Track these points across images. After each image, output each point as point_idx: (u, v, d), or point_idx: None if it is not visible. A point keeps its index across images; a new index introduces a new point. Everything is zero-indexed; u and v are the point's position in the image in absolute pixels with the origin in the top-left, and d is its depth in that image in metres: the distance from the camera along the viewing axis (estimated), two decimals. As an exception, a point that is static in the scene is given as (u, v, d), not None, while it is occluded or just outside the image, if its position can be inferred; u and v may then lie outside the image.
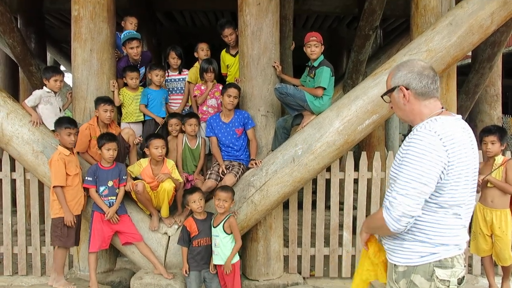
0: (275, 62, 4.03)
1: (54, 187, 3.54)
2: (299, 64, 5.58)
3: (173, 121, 4.21)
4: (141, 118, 4.46)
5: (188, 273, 3.47)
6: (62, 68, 9.72)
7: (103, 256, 4.00)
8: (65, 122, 3.59)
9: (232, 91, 3.94)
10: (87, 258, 3.75)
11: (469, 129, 1.81)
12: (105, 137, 3.65)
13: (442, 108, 1.81)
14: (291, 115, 4.08)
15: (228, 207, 3.45)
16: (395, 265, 1.81)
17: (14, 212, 4.29)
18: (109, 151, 3.62)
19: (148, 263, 3.74)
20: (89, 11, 4.06)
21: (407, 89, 1.79)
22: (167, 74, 4.68)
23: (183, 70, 4.78)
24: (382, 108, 3.63)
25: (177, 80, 4.74)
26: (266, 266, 4.06)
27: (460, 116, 1.81)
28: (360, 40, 5.55)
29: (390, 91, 1.86)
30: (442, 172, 1.67)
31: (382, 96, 1.93)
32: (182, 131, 4.24)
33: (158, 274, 3.59)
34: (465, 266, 1.80)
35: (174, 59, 4.68)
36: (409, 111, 1.82)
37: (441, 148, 1.65)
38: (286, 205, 4.22)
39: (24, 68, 5.94)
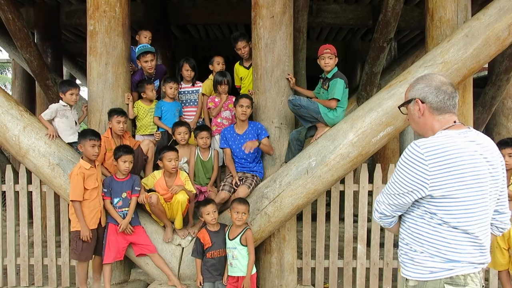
0: (289, 75, 4.09)
1: (71, 201, 3.63)
2: (312, 76, 5.65)
3: (181, 129, 4.24)
4: (154, 130, 4.56)
5: (202, 284, 3.51)
6: (77, 82, 9.97)
7: (118, 268, 4.07)
8: (90, 134, 3.68)
9: (244, 101, 4.01)
10: (96, 267, 3.84)
11: (484, 142, 1.76)
12: (122, 149, 3.74)
13: (455, 122, 1.81)
14: (304, 127, 4.13)
15: (246, 219, 3.50)
16: (406, 279, 1.83)
17: (30, 224, 4.40)
18: (125, 163, 3.70)
19: (162, 275, 3.79)
20: (104, 26, 4.20)
21: (422, 102, 1.82)
22: (180, 86, 4.78)
23: (196, 82, 4.86)
24: (396, 120, 3.66)
25: (190, 92, 4.83)
26: (280, 278, 4.08)
27: (468, 129, 1.78)
28: (374, 52, 5.60)
29: (406, 103, 1.90)
30: (423, 185, 1.68)
31: (399, 107, 1.96)
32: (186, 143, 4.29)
33: (172, 286, 3.65)
34: (483, 286, 1.77)
35: (187, 71, 4.76)
36: (422, 124, 1.85)
37: (420, 163, 1.67)
38: (299, 217, 4.25)
39: (40, 82, 6.13)
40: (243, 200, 3.53)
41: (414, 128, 1.93)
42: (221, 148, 4.26)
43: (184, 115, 4.77)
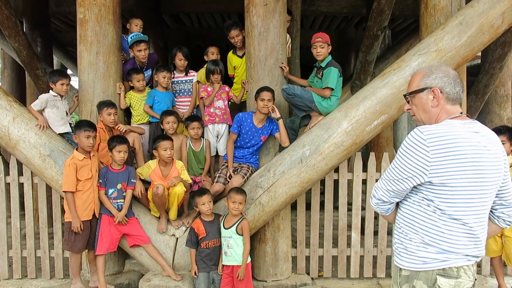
0: (282, 63, 4.06)
1: (64, 191, 3.60)
2: (306, 64, 5.62)
3: (170, 118, 4.19)
4: (148, 119, 4.51)
5: (196, 274, 3.52)
6: (68, 71, 9.85)
7: (111, 259, 4.06)
8: (85, 125, 3.64)
9: (265, 94, 3.84)
10: (91, 260, 3.83)
11: (488, 134, 1.77)
12: (116, 140, 3.71)
13: (461, 113, 1.82)
14: (298, 116, 4.11)
15: (242, 209, 3.50)
16: (399, 268, 1.84)
17: (22, 216, 4.37)
18: (120, 153, 3.68)
19: (156, 265, 3.79)
20: (94, 14, 4.12)
21: (440, 92, 1.81)
22: (173, 75, 4.72)
23: (190, 71, 4.78)
24: (391, 108, 3.66)
25: (183, 81, 4.77)
26: (274, 266, 4.09)
27: (472, 121, 1.79)
28: (368, 40, 5.58)
29: (419, 91, 1.86)
30: (423, 171, 1.68)
31: (407, 95, 1.93)
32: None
33: (167, 276, 3.65)
34: (475, 280, 1.77)
35: (181, 60, 4.69)
36: (433, 114, 1.83)
37: (422, 148, 1.67)
38: (294, 206, 4.26)
39: (30, 72, 6.04)
40: (240, 190, 3.53)
41: (420, 117, 1.89)
42: (230, 131, 4.13)
43: (177, 105, 4.72)
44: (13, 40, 5.60)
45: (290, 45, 4.98)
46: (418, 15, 4.26)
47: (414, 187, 1.77)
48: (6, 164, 4.41)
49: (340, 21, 8.53)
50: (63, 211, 4.14)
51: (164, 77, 4.48)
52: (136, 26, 5.03)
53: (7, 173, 4.36)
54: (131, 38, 4.79)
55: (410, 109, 1.94)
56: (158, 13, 7.40)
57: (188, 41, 9.08)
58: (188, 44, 8.86)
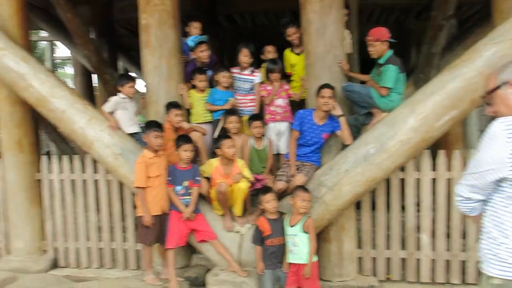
0: (341, 62, 3.99)
1: (135, 187, 3.80)
2: (366, 59, 5.49)
3: (233, 118, 4.27)
4: (209, 118, 4.62)
5: (263, 271, 3.57)
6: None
7: (180, 253, 4.21)
8: (154, 125, 3.83)
9: (326, 92, 3.79)
10: (162, 253, 4.01)
11: None
12: (182, 139, 3.86)
13: None
14: (360, 114, 4.04)
15: (308, 207, 3.50)
16: (489, 276, 1.73)
17: (98, 210, 4.69)
18: (186, 152, 3.82)
19: (223, 261, 3.90)
20: (156, 19, 4.27)
21: None
22: (235, 72, 4.68)
23: (255, 71, 4.70)
24: (462, 102, 3.48)
25: (244, 80, 4.71)
26: (339, 267, 4.05)
27: None
28: (432, 31, 5.35)
29: (496, 89, 1.81)
30: (503, 164, 1.61)
31: (484, 96, 1.88)
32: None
33: (233, 272, 3.74)
34: None
35: (246, 57, 4.59)
36: None
37: (501, 139, 1.62)
38: (358, 206, 4.19)
39: (99, 76, 6.42)
40: (306, 188, 3.54)
41: (503, 112, 1.80)
42: (292, 129, 4.11)
43: (237, 102, 4.64)
44: (83, 48, 5.98)
45: (349, 40, 4.89)
46: (488, 1, 4.01)
47: (498, 185, 1.68)
48: (82, 163, 4.73)
49: (400, 13, 8.24)
50: (134, 207, 4.39)
51: (224, 77, 4.56)
52: (195, 29, 5.17)
53: (83, 171, 4.68)
54: (192, 40, 4.94)
55: (494, 111, 1.85)
56: (213, 14, 7.56)
57: (242, 41, 9.17)
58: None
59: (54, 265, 4.76)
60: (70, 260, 4.75)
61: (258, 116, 4.37)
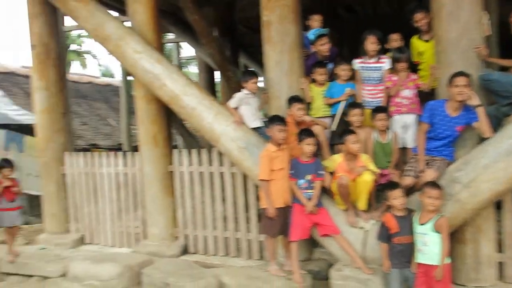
0: (478, 46, 3.68)
1: (259, 180, 4.01)
2: (509, 41, 4.96)
3: (356, 111, 4.23)
4: (328, 112, 4.65)
5: (389, 270, 3.51)
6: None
7: (302, 246, 4.34)
8: (277, 120, 4.01)
9: (461, 79, 3.55)
10: (286, 245, 4.16)
11: None
12: (305, 133, 3.97)
13: None
14: (502, 104, 3.69)
15: (439, 205, 3.35)
16: None
17: (223, 201, 5.05)
18: (309, 146, 3.92)
19: (346, 256, 3.91)
20: (277, 15, 4.44)
21: None
22: (362, 62, 4.59)
23: (381, 57, 4.54)
24: None
25: (372, 68, 4.56)
26: (476, 271, 3.78)
27: None
28: None
29: None
30: None
31: None
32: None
33: (357, 268, 3.73)
34: None
35: (373, 44, 4.46)
36: None
37: None
38: (498, 206, 3.84)
39: (222, 74, 6.86)
40: (437, 185, 3.38)
41: None
42: (421, 121, 3.97)
43: (363, 94, 4.59)
44: (208, 47, 6.46)
45: (487, 22, 4.47)
46: None
47: None
48: (210, 156, 5.13)
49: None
50: (258, 199, 4.64)
51: (343, 70, 4.54)
52: (316, 22, 5.23)
53: (210, 164, 5.08)
54: (312, 34, 5.01)
55: None
56: (333, 6, 7.52)
57: (362, 32, 8.95)
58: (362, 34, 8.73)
59: (185, 251, 5.25)
60: (199, 247, 5.20)
61: (383, 108, 4.27)
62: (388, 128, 4.26)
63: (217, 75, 9.60)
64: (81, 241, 5.87)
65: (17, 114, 11.17)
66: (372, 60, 4.55)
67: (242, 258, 4.91)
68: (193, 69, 23.92)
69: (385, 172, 4.13)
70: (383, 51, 4.68)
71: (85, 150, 6.84)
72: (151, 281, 4.35)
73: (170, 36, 11.43)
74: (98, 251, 5.47)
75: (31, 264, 5.00)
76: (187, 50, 20.45)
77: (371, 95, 4.57)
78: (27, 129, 9.68)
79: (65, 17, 6.66)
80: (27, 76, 13.67)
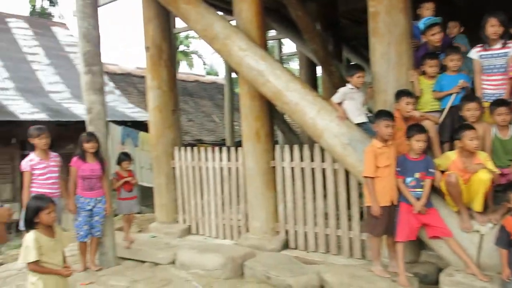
0: None
1: (364, 177, 4.00)
2: None
3: (471, 105, 3.97)
4: (437, 106, 4.45)
5: (509, 279, 3.27)
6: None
7: (408, 247, 4.22)
8: (384, 115, 3.98)
9: None
10: (391, 245, 4.08)
11: None
12: (415, 129, 3.86)
13: None
14: None
15: None
16: None
17: (324, 197, 5.10)
18: (419, 142, 3.80)
19: (458, 261, 3.73)
20: (384, 6, 4.35)
21: None
22: (482, 49, 4.28)
23: (508, 42, 4.17)
24: None
25: (495, 55, 4.22)
26: None
27: None
28: None
29: None
30: None
31: None
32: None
33: (471, 274, 3.54)
34: None
35: (493, 27, 4.11)
36: None
37: None
38: None
39: (325, 69, 6.90)
40: None
41: None
42: None
43: (484, 85, 4.28)
44: (311, 43, 6.53)
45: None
46: None
47: None
48: (311, 152, 5.22)
49: None
50: (360, 196, 4.61)
51: (452, 60, 4.31)
52: (427, 10, 5.02)
53: (312, 159, 5.16)
54: (423, 23, 4.81)
55: None
56: (447, -9, 7.07)
57: (479, 18, 8.28)
58: (470, 20, 8.07)
59: (285, 245, 5.40)
60: (299, 242, 5.32)
61: (504, 101, 3.96)
62: (510, 123, 3.94)
63: (319, 70, 9.66)
64: (187, 231, 6.35)
65: (132, 112, 12.39)
66: (496, 46, 4.21)
67: (343, 256, 4.92)
68: (294, 65, 24.16)
69: (505, 171, 3.85)
70: (508, 36, 4.30)
71: (191, 145, 7.36)
72: (253, 273, 4.57)
73: (272, 33, 11.73)
74: (203, 242, 5.88)
75: (144, 250, 5.54)
76: (289, 46, 20.73)
77: (493, 86, 4.22)
78: (141, 125, 10.71)
79: (175, 20, 7.23)
80: (140, 77, 15.08)
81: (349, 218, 4.90)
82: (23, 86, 12.17)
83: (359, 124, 4.52)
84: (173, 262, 5.21)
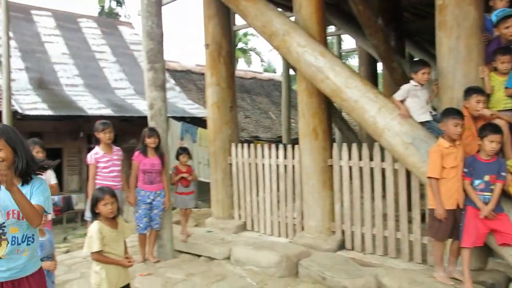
0: None
1: (428, 177, 3.82)
2: None
3: None
4: (510, 105, 4.15)
5: None
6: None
7: (473, 254, 3.99)
8: (453, 113, 3.79)
9: None
10: (455, 251, 3.88)
11: None
12: (489, 128, 3.66)
13: None
14: None
15: None
16: None
17: (383, 197, 4.94)
18: (492, 143, 3.59)
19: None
20: (454, -3, 4.12)
21: None
22: None
23: None
24: None
25: None
26: None
27: None
28: None
29: None
30: None
31: None
32: None
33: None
34: None
35: None
36: None
37: None
38: None
39: (386, 65, 6.67)
40: None
41: None
42: None
43: None
44: (372, 38, 6.33)
45: None
46: None
47: None
48: (370, 151, 5.07)
49: None
50: (422, 197, 4.41)
51: None
52: (501, 2, 4.68)
53: (371, 159, 5.02)
54: (495, 15, 4.50)
55: None
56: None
57: None
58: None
59: (341, 246, 5.29)
60: (356, 243, 5.19)
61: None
62: None
63: (379, 67, 9.37)
64: (243, 227, 6.40)
65: (191, 108, 12.73)
66: None
67: (402, 260, 4.73)
68: (353, 62, 23.68)
69: None
70: None
71: (247, 142, 7.42)
72: (308, 273, 4.52)
73: (331, 29, 11.55)
74: (258, 239, 5.90)
75: (200, 245, 5.66)
76: (348, 42, 20.34)
77: None
78: (199, 122, 10.97)
79: (234, 17, 7.30)
80: (200, 74, 15.44)
81: (410, 220, 4.71)
82: (91, 82, 12.89)
83: (422, 123, 4.33)
84: (228, 258, 5.28)
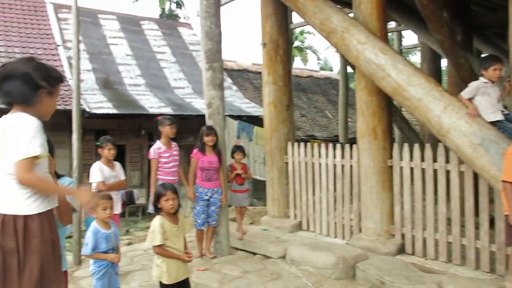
0: None
1: (503, 181, 3.58)
2: None
3: None
4: None
5: None
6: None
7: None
8: None
9: None
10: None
11: None
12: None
13: None
14: None
15: None
16: None
17: (447, 201, 4.69)
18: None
19: None
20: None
21: None
22: None
23: None
24: None
25: None
26: None
27: None
28: None
29: None
30: None
31: None
32: None
33: None
34: None
35: None
36: None
37: None
38: None
39: (452, 61, 6.33)
40: None
41: None
42: None
43: None
44: (437, 33, 6.03)
45: None
46: None
47: None
48: (434, 152, 4.83)
49: None
50: (491, 202, 4.14)
51: None
52: None
53: (434, 160, 4.78)
54: None
55: None
56: None
57: None
58: None
59: (401, 250, 5.09)
60: (416, 248, 4.97)
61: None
62: None
63: (443, 63, 8.93)
64: (298, 227, 6.34)
65: (248, 107, 12.82)
66: None
67: (467, 268, 4.47)
68: (414, 58, 22.80)
69: None
70: None
71: (303, 141, 7.34)
72: (366, 276, 4.40)
73: (391, 25, 11.16)
74: (314, 239, 5.82)
75: (255, 243, 5.67)
76: (409, 38, 19.59)
77: None
78: (255, 120, 11.02)
79: (291, 15, 7.24)
80: (256, 72, 15.53)
81: (477, 226, 4.44)
82: (152, 82, 13.35)
83: (493, 123, 4.07)
84: (283, 257, 5.25)
